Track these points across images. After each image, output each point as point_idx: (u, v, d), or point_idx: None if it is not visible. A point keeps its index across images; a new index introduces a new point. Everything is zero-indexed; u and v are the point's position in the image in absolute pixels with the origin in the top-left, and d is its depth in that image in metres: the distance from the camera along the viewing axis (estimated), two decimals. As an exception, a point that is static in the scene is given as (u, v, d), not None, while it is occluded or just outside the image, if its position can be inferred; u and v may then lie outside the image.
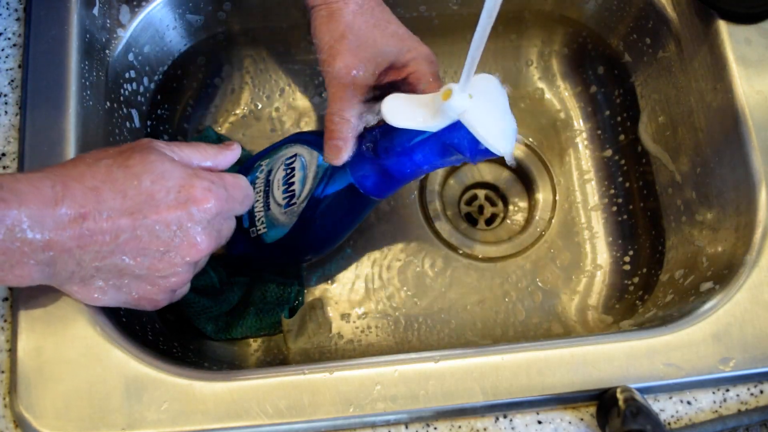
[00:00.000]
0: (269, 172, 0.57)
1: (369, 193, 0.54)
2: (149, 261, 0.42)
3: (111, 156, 0.42)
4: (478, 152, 0.47)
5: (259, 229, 0.57)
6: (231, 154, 0.49)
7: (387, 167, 0.51)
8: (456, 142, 0.47)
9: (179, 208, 0.42)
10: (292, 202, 0.55)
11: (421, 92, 0.51)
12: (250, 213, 0.57)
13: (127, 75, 0.61)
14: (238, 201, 0.46)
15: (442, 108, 0.45)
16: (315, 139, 0.55)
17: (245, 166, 0.60)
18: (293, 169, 0.55)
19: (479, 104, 0.45)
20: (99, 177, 0.40)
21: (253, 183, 0.58)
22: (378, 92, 0.53)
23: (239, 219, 0.54)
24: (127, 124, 0.60)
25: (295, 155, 0.56)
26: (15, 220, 0.37)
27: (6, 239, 0.38)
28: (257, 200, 0.57)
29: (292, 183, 0.55)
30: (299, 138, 0.58)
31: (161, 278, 0.44)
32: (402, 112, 0.48)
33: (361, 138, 0.52)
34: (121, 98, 0.60)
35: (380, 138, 0.51)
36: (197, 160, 0.46)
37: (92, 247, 0.40)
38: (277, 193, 0.56)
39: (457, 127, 0.46)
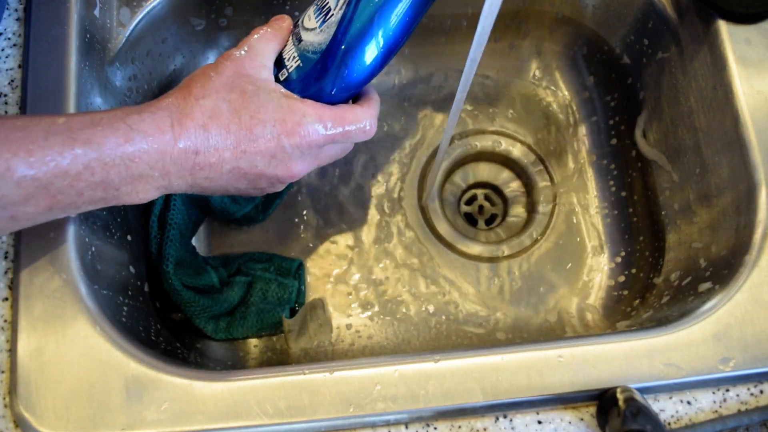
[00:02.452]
0: (294, 25, 0.53)
1: None
2: (248, 181, 0.49)
3: (215, 90, 0.47)
4: None
5: (291, 66, 0.51)
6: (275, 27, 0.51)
7: None
8: None
9: (273, 141, 0.47)
10: (329, 15, 0.50)
11: None
12: (278, 61, 0.52)
13: (128, 76, 0.61)
14: (344, 134, 0.50)
15: None
16: None
17: None
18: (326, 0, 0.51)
19: None
20: (207, 113, 0.45)
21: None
22: None
23: None
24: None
25: None
26: (140, 153, 0.43)
27: (132, 170, 0.43)
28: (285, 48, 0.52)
29: (326, 4, 0.50)
30: None
31: (260, 189, 0.51)
32: None
33: None
34: (123, 100, 0.60)
35: None
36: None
37: (201, 174, 0.46)
38: (309, 22, 0.51)
39: None
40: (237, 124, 0.46)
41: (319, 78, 0.50)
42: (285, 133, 0.47)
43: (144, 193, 0.45)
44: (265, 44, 0.50)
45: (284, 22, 0.52)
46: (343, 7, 0.49)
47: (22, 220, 0.42)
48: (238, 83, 0.47)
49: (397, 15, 0.49)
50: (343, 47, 0.49)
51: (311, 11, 0.51)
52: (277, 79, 0.51)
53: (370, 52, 0.49)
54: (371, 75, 0.50)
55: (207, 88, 0.46)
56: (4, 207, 0.40)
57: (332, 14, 0.49)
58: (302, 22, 0.51)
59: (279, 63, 0.51)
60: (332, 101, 0.50)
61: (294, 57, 0.51)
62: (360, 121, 0.50)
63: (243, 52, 0.49)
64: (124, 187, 0.44)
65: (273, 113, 0.47)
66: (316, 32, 0.50)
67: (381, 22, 0.48)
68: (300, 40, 0.51)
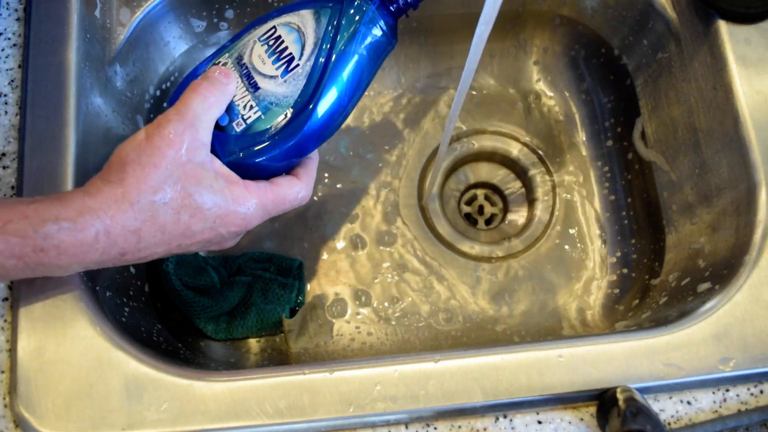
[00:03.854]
0: (238, 59, 0.48)
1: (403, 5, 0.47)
2: (178, 255, 0.49)
3: (152, 189, 0.42)
4: None
5: (249, 117, 0.46)
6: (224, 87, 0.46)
7: None
8: None
9: (212, 232, 0.45)
10: (294, 65, 0.46)
11: None
12: (228, 109, 0.47)
13: (128, 76, 0.61)
14: (281, 210, 0.48)
15: None
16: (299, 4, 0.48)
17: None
18: (277, 38, 0.47)
19: None
20: (141, 217, 0.42)
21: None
22: None
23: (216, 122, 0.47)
24: (130, 125, 0.60)
25: (273, 28, 0.47)
26: (49, 259, 0.40)
27: (38, 271, 0.41)
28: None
29: (283, 48, 0.46)
30: (270, 16, 0.48)
31: (188, 253, 0.50)
32: None
33: None
34: (123, 100, 0.60)
35: None
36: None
37: (129, 262, 0.45)
38: (264, 66, 0.47)
39: None
40: (174, 224, 0.43)
41: (284, 137, 0.46)
42: (224, 225, 0.45)
43: (59, 276, 0.45)
44: (205, 111, 0.44)
45: (229, 83, 0.46)
46: (311, 59, 0.45)
47: None
48: (177, 176, 0.43)
49: (367, 68, 0.47)
50: (318, 108, 0.45)
51: (260, 50, 0.47)
52: (231, 129, 0.46)
53: (345, 107, 0.47)
54: (336, 130, 0.49)
55: (143, 189, 0.42)
56: None
57: (297, 65, 0.46)
58: (251, 62, 0.47)
59: (229, 109, 0.47)
60: (286, 159, 0.47)
61: (251, 106, 0.46)
62: (298, 194, 0.48)
63: (181, 129, 0.43)
64: (31, 273, 0.42)
65: (215, 209, 0.44)
66: (278, 81, 0.46)
67: (356, 78, 0.46)
68: (256, 88, 0.46)
